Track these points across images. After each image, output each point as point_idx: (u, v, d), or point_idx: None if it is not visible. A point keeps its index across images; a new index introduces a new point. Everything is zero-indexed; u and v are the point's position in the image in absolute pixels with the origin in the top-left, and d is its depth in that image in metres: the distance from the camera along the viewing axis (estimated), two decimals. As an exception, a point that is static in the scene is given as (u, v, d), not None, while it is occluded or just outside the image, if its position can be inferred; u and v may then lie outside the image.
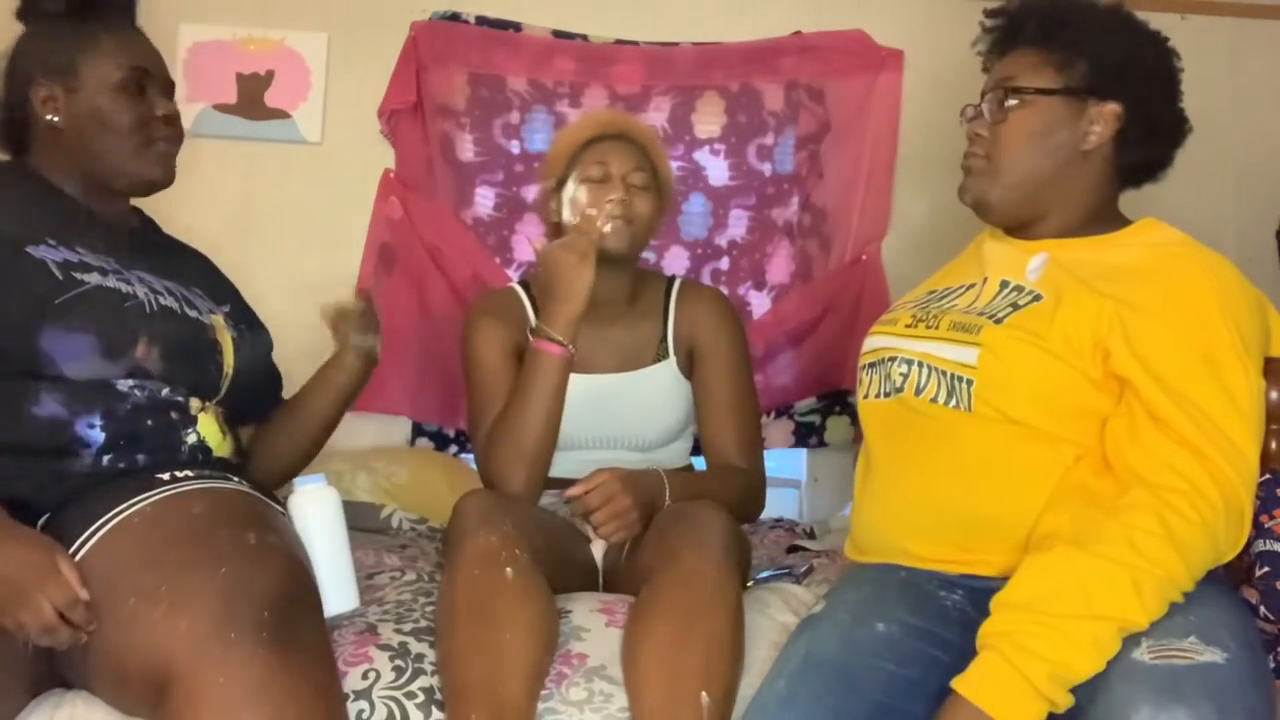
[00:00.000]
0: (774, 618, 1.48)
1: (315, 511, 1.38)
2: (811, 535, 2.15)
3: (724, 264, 2.52)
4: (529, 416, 1.57)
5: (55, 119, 1.42)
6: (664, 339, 1.79)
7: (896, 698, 1.25)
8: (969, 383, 1.32)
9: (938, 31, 2.40)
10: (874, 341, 1.48)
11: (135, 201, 1.54)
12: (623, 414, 1.74)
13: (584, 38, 2.47)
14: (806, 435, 2.53)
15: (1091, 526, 1.19)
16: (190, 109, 2.36)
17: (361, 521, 1.99)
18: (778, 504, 2.47)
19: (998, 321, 1.34)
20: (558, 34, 2.47)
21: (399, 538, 2.05)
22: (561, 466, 1.68)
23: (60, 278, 1.32)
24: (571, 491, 1.54)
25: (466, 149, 2.47)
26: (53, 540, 1.20)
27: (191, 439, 1.39)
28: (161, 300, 1.40)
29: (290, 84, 2.42)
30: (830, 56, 2.48)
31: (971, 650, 1.19)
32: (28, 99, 1.42)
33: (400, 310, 2.36)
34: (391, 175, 2.40)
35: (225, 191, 2.39)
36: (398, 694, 1.31)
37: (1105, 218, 1.43)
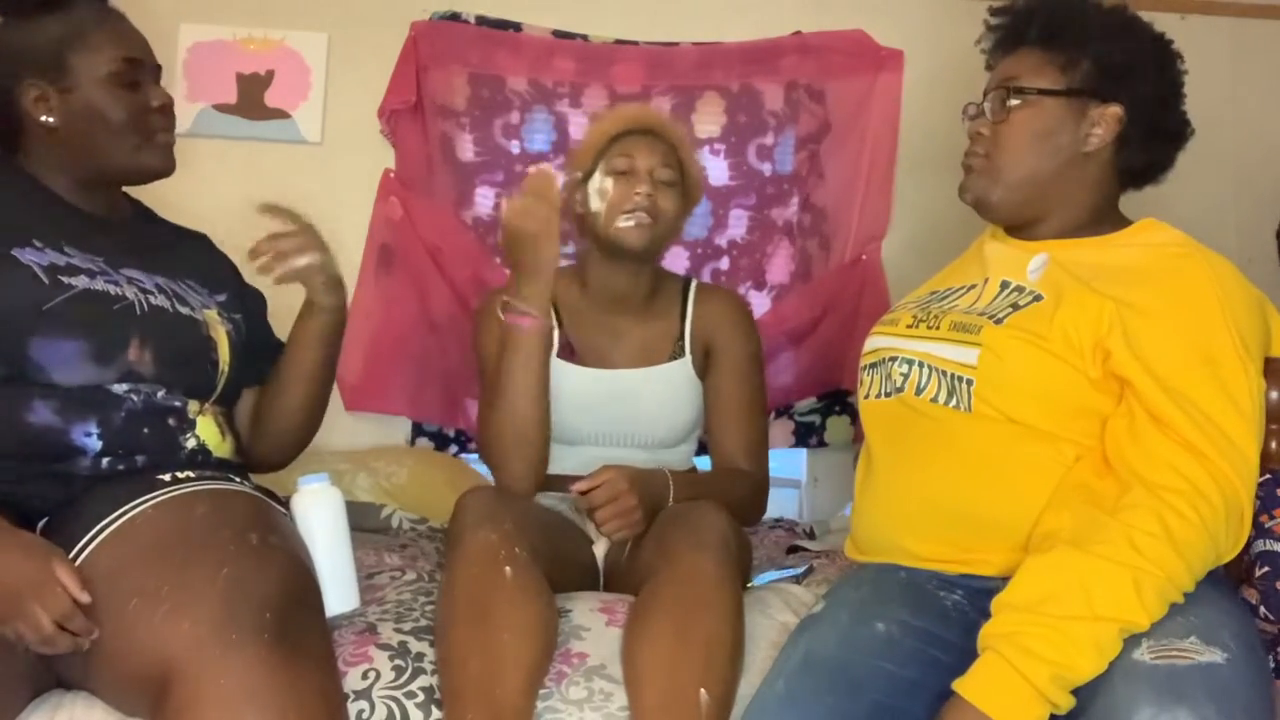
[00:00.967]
0: (774, 618, 1.48)
1: (318, 511, 1.38)
2: (811, 535, 2.16)
3: (724, 264, 2.52)
4: (513, 394, 1.55)
5: (50, 119, 1.37)
6: (680, 337, 1.79)
7: (896, 698, 1.25)
8: (969, 383, 1.32)
9: (938, 31, 2.40)
10: (875, 342, 1.49)
11: (132, 191, 1.52)
12: (635, 410, 1.74)
13: (584, 38, 2.47)
14: (806, 435, 2.53)
15: (1092, 527, 1.19)
16: (190, 109, 2.36)
17: (362, 521, 1.99)
18: (778, 504, 2.46)
19: (998, 322, 1.34)
20: (558, 34, 2.46)
21: (399, 538, 2.04)
22: (568, 463, 1.68)
23: (46, 282, 1.29)
24: (578, 486, 1.53)
25: (466, 149, 2.46)
26: (51, 546, 1.18)
27: (191, 443, 1.38)
28: (152, 300, 1.38)
29: (290, 84, 2.42)
30: (830, 56, 2.47)
31: (971, 650, 1.19)
32: (15, 98, 1.37)
33: (400, 310, 2.37)
34: (391, 175, 2.40)
35: (225, 191, 2.37)
36: (398, 693, 1.31)
37: (1106, 218, 1.43)
